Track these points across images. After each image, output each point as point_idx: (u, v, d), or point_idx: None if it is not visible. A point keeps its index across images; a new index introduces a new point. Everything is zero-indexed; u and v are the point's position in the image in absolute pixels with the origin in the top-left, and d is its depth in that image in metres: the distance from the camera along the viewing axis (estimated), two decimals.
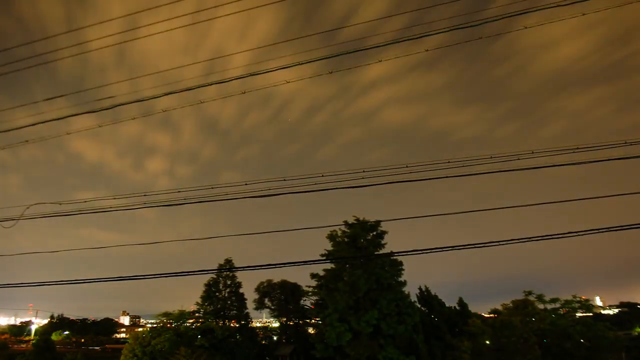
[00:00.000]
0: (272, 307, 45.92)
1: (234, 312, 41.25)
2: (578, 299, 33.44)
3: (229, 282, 42.19)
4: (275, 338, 50.41)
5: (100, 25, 9.18)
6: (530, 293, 32.85)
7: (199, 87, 8.61)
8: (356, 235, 34.10)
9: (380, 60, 8.34)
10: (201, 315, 40.67)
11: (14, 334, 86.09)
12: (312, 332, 42.53)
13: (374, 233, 34.34)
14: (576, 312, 33.50)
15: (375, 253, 33.92)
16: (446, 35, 7.49)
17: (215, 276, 41.85)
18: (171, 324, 40.56)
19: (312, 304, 41.95)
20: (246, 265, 9.62)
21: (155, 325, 42.10)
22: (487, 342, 30.91)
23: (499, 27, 7.52)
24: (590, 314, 35.58)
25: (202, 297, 41.42)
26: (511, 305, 32.95)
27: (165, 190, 9.34)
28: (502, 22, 7.21)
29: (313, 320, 42.43)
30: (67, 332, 76.88)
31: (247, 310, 42.20)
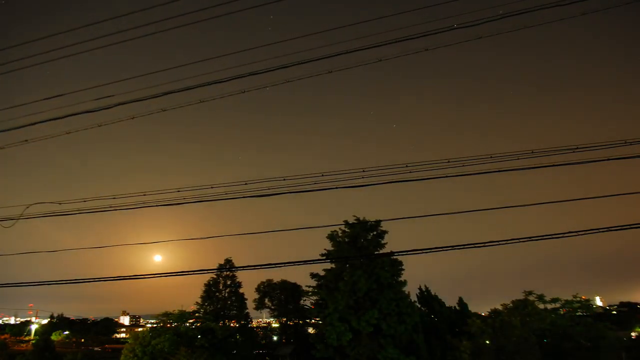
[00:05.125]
0: (272, 307, 46.00)
1: (234, 312, 41.28)
2: (578, 298, 33.34)
3: (229, 282, 42.22)
4: (275, 338, 50.51)
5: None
6: (530, 293, 32.75)
7: (198, 86, 8.62)
8: (356, 235, 34.10)
9: (380, 60, 8.34)
10: (201, 315, 40.65)
11: (14, 334, 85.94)
12: (312, 332, 42.53)
13: (374, 233, 34.35)
14: (576, 312, 33.40)
15: (375, 253, 33.93)
16: (446, 35, 7.49)
17: (215, 276, 41.89)
18: (171, 324, 40.50)
19: (312, 304, 41.92)
20: (246, 265, 9.66)
21: (155, 325, 42.07)
22: (487, 342, 30.86)
23: (498, 27, 7.50)
24: (591, 314, 35.46)
25: (202, 297, 41.43)
26: (511, 305, 32.87)
27: (165, 189, 9.34)
28: (501, 22, 7.22)
29: (313, 320, 42.40)
30: (67, 332, 76.81)
31: (247, 310, 42.24)
